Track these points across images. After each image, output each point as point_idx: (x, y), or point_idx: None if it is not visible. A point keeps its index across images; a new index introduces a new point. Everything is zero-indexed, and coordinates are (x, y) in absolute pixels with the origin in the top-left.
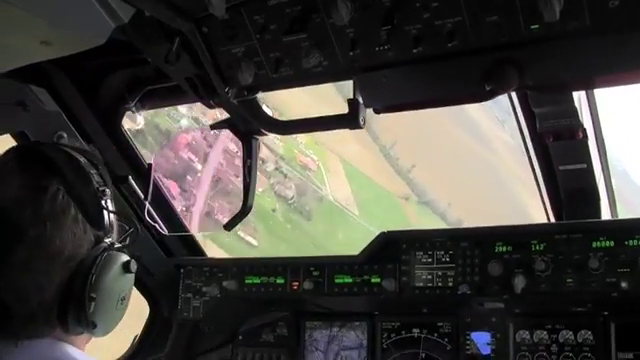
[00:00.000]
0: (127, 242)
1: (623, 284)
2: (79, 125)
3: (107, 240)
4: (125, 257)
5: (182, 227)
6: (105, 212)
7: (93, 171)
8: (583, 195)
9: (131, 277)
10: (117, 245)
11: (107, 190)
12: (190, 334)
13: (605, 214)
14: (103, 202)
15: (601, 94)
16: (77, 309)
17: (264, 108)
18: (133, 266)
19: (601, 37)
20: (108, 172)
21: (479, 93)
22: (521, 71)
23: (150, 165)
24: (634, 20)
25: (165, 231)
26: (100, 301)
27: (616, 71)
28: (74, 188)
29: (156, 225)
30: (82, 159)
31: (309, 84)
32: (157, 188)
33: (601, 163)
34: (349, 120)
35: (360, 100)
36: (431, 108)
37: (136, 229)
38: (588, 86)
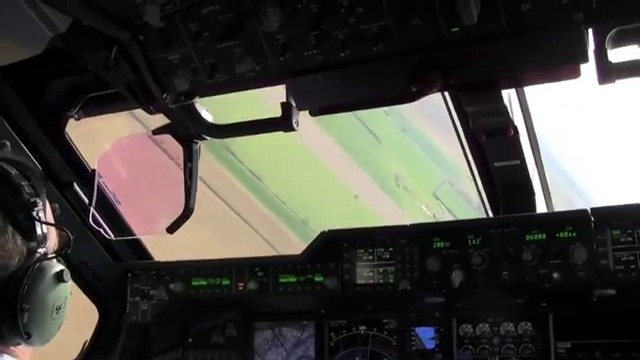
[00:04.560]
0: (64, 252)
1: (555, 275)
2: (22, 133)
3: (40, 250)
4: (59, 267)
5: (128, 231)
6: (37, 223)
7: (24, 182)
8: (518, 190)
9: (66, 286)
10: (50, 255)
11: (38, 201)
12: (139, 338)
13: (541, 208)
14: (34, 213)
15: (533, 91)
16: (10, 320)
17: (203, 113)
18: (67, 275)
19: (518, 38)
20: (54, 179)
21: (407, 94)
22: (444, 72)
23: (94, 171)
24: (546, 21)
25: (111, 236)
26: (33, 311)
27: (532, 70)
28: (3, 200)
29: (101, 230)
30: (13, 171)
31: (244, 89)
32: (102, 193)
33: (534, 158)
34: (282, 123)
35: (293, 103)
36: (362, 109)
37: (69, 239)
38: (508, 85)
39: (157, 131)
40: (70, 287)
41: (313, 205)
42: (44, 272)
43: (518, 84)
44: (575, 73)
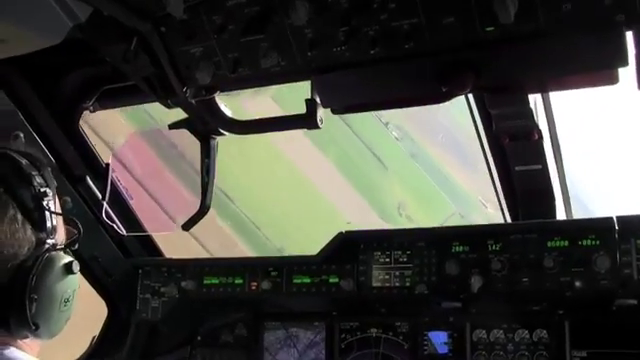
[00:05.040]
0: (74, 244)
1: (577, 283)
2: (36, 125)
3: (50, 241)
4: (68, 258)
5: (140, 227)
6: (47, 213)
7: (34, 172)
8: (538, 195)
9: (74, 278)
10: (60, 246)
11: (48, 191)
12: (148, 335)
13: (560, 214)
14: (45, 203)
15: (558, 96)
16: (18, 310)
17: (222, 108)
18: (76, 267)
19: (555, 39)
20: (67, 173)
21: (436, 94)
22: (477, 73)
23: (108, 165)
24: (586, 22)
25: (123, 231)
26: (42, 302)
27: (569, 73)
28: (13, 189)
29: (114, 225)
30: (24, 161)
31: (267, 84)
32: (115, 188)
33: (556, 164)
34: (306, 120)
35: (318, 100)
36: (389, 109)
37: (78, 231)
38: (542, 89)
39: (174, 125)
40: (78, 280)
41: (294, 231)
42: (53, 263)
43: (550, 88)
44: (613, 78)
